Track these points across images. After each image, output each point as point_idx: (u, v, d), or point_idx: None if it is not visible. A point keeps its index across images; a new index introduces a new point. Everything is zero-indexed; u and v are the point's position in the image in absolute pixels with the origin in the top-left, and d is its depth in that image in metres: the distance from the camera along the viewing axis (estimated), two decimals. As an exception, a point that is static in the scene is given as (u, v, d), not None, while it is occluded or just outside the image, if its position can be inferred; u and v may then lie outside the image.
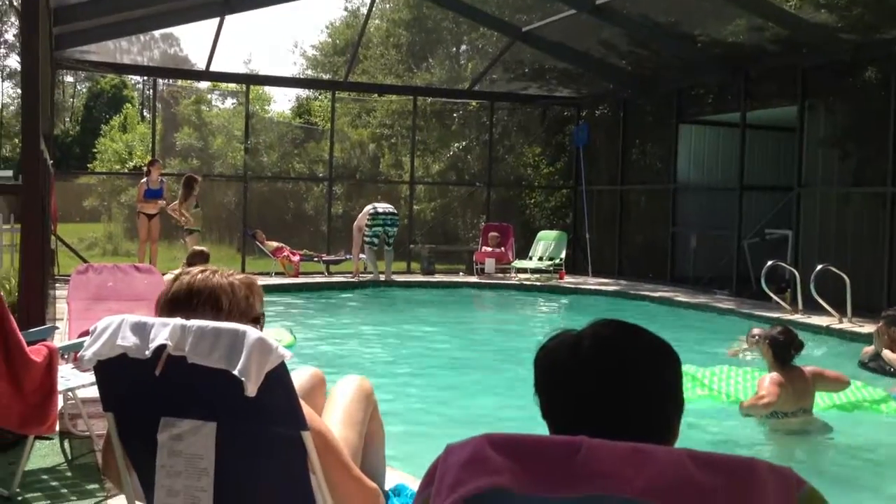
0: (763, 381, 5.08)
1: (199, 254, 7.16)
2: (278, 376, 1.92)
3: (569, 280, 13.93)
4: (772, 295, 10.24)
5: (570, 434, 1.15)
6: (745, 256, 12.33)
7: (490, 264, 14.51)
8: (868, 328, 8.30)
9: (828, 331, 9.07)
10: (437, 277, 14.53)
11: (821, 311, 9.38)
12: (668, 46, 12.91)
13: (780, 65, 12.07)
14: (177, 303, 2.11)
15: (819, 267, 9.46)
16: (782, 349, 5.01)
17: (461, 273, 15.47)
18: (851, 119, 11.45)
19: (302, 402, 2.02)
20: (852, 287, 9.20)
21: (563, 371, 1.32)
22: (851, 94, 11.55)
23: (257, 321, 2.18)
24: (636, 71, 14.39)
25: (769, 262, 10.25)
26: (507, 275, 14.54)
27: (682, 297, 11.72)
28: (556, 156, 18.16)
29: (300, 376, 2.00)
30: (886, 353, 6.83)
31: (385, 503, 2.41)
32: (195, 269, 2.18)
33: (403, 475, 3.41)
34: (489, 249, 14.74)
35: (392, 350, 8.44)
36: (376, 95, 21.46)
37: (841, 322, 9.21)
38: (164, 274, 7.12)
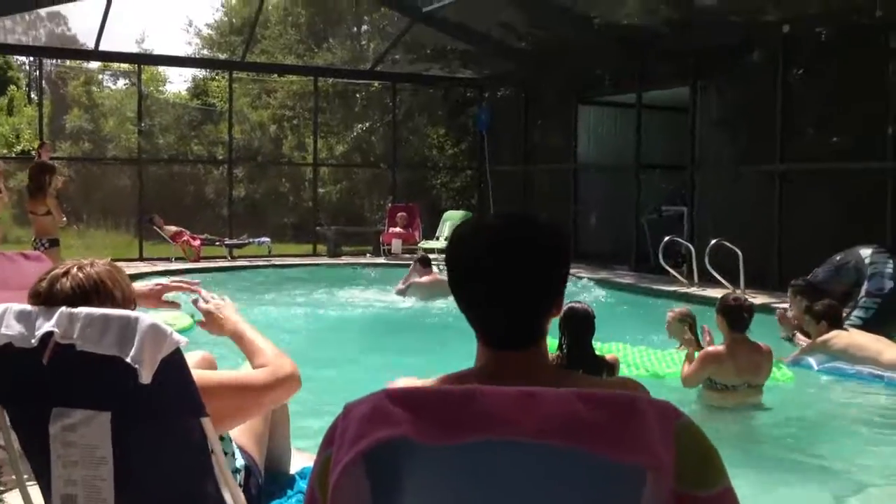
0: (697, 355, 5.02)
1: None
2: (174, 362, 1.88)
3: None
4: (669, 269, 10.59)
5: (471, 302, 1.37)
6: (643, 233, 12.68)
7: (397, 245, 14.50)
8: (761, 299, 8.66)
9: (722, 303, 9.42)
10: (344, 259, 14.43)
11: (716, 283, 9.74)
12: (566, 28, 13.10)
13: (673, 47, 12.39)
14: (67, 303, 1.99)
15: (713, 241, 9.82)
16: (733, 313, 4.93)
17: (368, 255, 15.40)
18: (741, 100, 11.86)
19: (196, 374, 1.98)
20: (745, 260, 9.59)
21: (464, 244, 1.41)
22: (740, 75, 11.95)
23: (135, 304, 2.12)
24: (536, 52, 14.56)
25: (666, 238, 10.60)
26: (415, 255, 14.54)
27: (584, 273, 11.99)
28: (461, 137, 18.25)
29: (190, 360, 1.96)
30: (799, 338, 6.94)
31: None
32: (67, 268, 2.04)
33: (311, 457, 3.39)
34: (396, 230, 14.71)
35: (295, 332, 8.34)
36: (276, 76, 21.07)
37: (735, 293, 9.58)
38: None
